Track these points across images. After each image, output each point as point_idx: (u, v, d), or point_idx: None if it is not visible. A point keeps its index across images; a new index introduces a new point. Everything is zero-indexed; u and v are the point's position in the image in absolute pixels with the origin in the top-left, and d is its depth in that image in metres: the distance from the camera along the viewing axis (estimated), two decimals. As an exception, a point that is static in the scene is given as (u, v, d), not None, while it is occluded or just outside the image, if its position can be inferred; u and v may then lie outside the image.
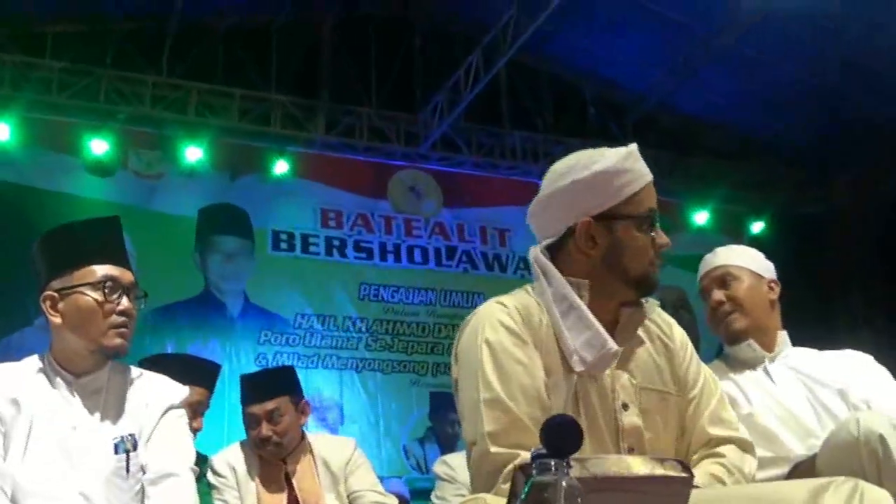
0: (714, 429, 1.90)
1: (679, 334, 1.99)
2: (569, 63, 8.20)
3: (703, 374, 1.97)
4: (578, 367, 1.80)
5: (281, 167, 7.45)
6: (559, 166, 1.93)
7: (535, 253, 1.93)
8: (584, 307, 1.83)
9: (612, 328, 1.86)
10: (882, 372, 2.51)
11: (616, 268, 1.86)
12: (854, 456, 1.88)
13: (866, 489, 1.51)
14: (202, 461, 3.01)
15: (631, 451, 1.82)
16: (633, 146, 1.90)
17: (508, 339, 1.81)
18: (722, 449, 1.88)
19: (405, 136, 7.88)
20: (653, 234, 1.87)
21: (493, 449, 1.71)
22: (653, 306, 1.94)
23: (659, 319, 1.99)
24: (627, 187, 1.86)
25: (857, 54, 6.87)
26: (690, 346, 2.00)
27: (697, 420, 1.91)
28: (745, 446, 1.92)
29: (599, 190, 1.85)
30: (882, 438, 1.86)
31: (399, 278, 7.66)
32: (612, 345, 1.80)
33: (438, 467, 4.03)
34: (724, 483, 1.79)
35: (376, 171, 7.90)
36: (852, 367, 2.51)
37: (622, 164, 1.86)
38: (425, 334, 7.52)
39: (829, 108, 7.50)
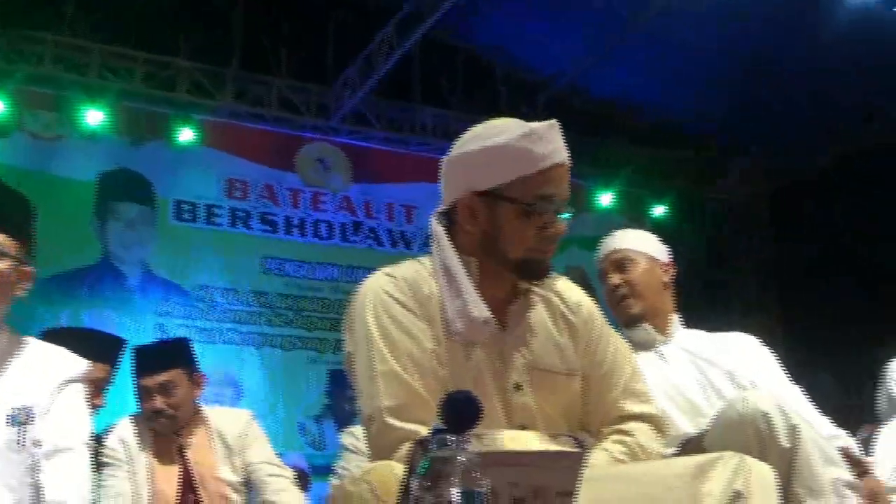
0: (627, 403, 1.92)
1: (587, 310, 1.98)
2: (483, 41, 8.20)
3: (613, 346, 1.98)
4: (455, 337, 1.80)
5: (186, 135, 7.27)
6: (466, 134, 1.88)
7: (432, 219, 1.91)
8: (464, 275, 1.82)
9: (505, 306, 1.87)
10: (767, 354, 2.60)
11: (493, 249, 1.84)
12: (740, 434, 1.94)
13: (752, 464, 1.57)
14: (97, 439, 2.95)
15: (523, 428, 1.81)
16: (544, 124, 1.83)
17: (397, 309, 1.81)
18: (632, 427, 1.90)
19: (316, 108, 7.78)
20: (544, 220, 1.82)
21: (392, 423, 1.72)
22: (552, 283, 1.94)
23: (567, 295, 1.98)
24: (516, 169, 1.80)
25: (763, 43, 7.04)
26: (599, 319, 1.99)
27: (608, 394, 1.92)
28: (658, 424, 1.94)
29: (488, 166, 1.81)
30: (767, 417, 1.93)
31: (304, 253, 7.58)
32: (483, 312, 1.80)
33: (346, 438, 4.01)
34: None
35: (285, 142, 7.78)
36: (740, 349, 2.60)
37: (518, 142, 1.79)
38: (328, 311, 7.46)
39: (733, 95, 7.68)
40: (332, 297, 7.49)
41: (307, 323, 7.42)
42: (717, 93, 7.67)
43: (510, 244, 1.83)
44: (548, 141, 1.82)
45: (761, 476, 1.58)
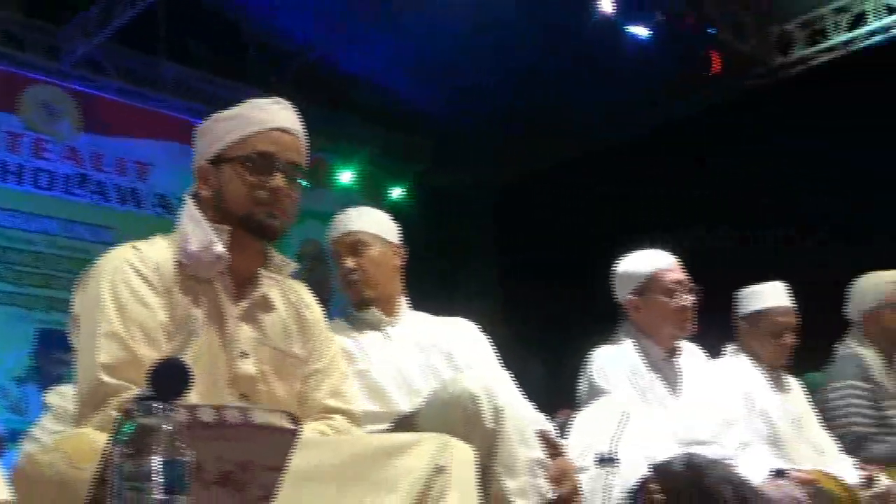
0: (330, 400, 2.03)
1: (318, 313, 2.11)
2: (236, 3, 7.96)
3: (332, 350, 2.10)
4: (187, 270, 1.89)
5: None
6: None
7: (185, 194, 2.01)
8: (203, 219, 1.92)
9: (246, 281, 1.96)
10: (483, 340, 2.73)
11: (223, 210, 1.95)
12: (449, 413, 2.03)
13: (454, 445, 1.66)
14: None
15: (243, 397, 1.88)
16: (269, 100, 2.00)
17: (135, 280, 1.83)
18: (335, 418, 2.01)
19: (46, 48, 7.20)
20: (265, 177, 1.93)
21: (105, 379, 1.71)
22: (289, 269, 2.05)
23: (301, 292, 2.10)
24: (236, 132, 1.96)
25: (511, 41, 7.32)
26: (324, 324, 2.12)
27: (316, 390, 2.02)
28: (354, 419, 2.06)
29: (214, 133, 1.99)
30: (474, 399, 2.03)
31: (18, 202, 6.99)
32: (220, 250, 1.89)
33: (51, 397, 3.76)
34: None
35: (7, 80, 7.14)
36: (460, 333, 2.71)
37: (242, 110, 1.98)
38: (41, 266, 6.94)
39: (475, 88, 7.93)
40: (48, 251, 6.96)
41: (17, 277, 6.87)
42: (461, 84, 7.90)
43: (234, 201, 1.93)
44: (271, 111, 1.99)
45: (461, 454, 1.67)
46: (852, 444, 3.55)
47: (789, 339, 3.53)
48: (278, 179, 1.93)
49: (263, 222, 1.94)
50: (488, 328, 2.80)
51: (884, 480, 3.25)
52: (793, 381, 3.65)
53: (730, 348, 3.61)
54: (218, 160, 1.96)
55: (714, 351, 3.50)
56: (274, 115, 1.99)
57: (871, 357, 3.76)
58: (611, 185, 8.06)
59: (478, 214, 9.55)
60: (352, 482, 1.57)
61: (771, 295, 3.58)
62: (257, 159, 1.93)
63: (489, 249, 9.48)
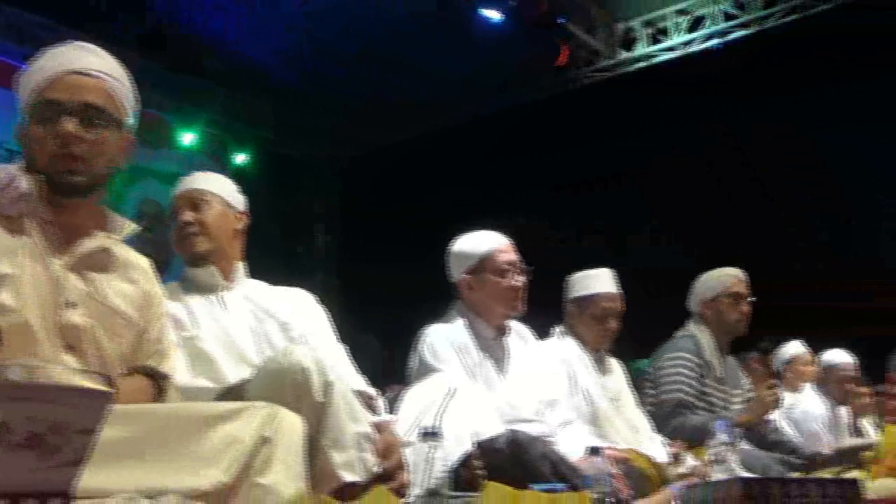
0: (154, 364, 2.02)
1: (151, 279, 2.08)
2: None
3: (162, 317, 2.10)
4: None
5: None
6: None
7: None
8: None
9: (75, 237, 1.92)
10: (321, 313, 2.71)
11: (29, 162, 1.90)
12: (279, 385, 2.02)
13: (282, 415, 1.65)
14: None
15: (70, 349, 1.83)
16: (62, 45, 1.94)
17: None
18: (155, 381, 2.00)
19: None
20: (53, 126, 1.87)
21: None
22: (127, 229, 2.02)
23: (139, 260, 2.07)
24: (31, 83, 1.92)
25: (361, 10, 7.25)
26: (158, 291, 2.10)
27: (139, 352, 2.01)
28: (177, 388, 2.07)
29: (20, 88, 1.95)
30: (305, 371, 2.03)
31: None
32: (24, 188, 1.85)
33: None
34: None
35: None
36: (297, 304, 2.68)
37: (39, 61, 1.93)
38: None
39: (329, 58, 7.83)
40: None
41: None
42: (311, 55, 7.80)
43: (34, 154, 1.90)
44: (69, 56, 1.93)
45: (290, 425, 1.66)
46: (674, 410, 3.85)
47: (613, 323, 3.71)
48: (66, 124, 1.87)
49: (62, 180, 1.89)
50: (326, 301, 2.79)
51: (689, 460, 3.45)
52: (614, 363, 3.84)
53: (557, 330, 3.76)
54: (23, 114, 1.93)
55: (543, 332, 3.63)
56: (71, 59, 1.92)
57: (705, 340, 4.10)
58: (454, 165, 8.17)
59: (322, 186, 9.47)
60: (170, 455, 1.54)
61: (598, 281, 3.75)
62: (44, 108, 1.88)
63: (332, 222, 9.43)
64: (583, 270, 3.81)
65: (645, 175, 7.66)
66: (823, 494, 1.23)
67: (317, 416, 2.01)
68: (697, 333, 4.12)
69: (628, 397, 3.79)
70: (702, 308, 4.18)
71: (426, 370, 2.95)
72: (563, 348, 3.66)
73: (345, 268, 9.00)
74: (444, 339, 3.05)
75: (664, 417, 3.88)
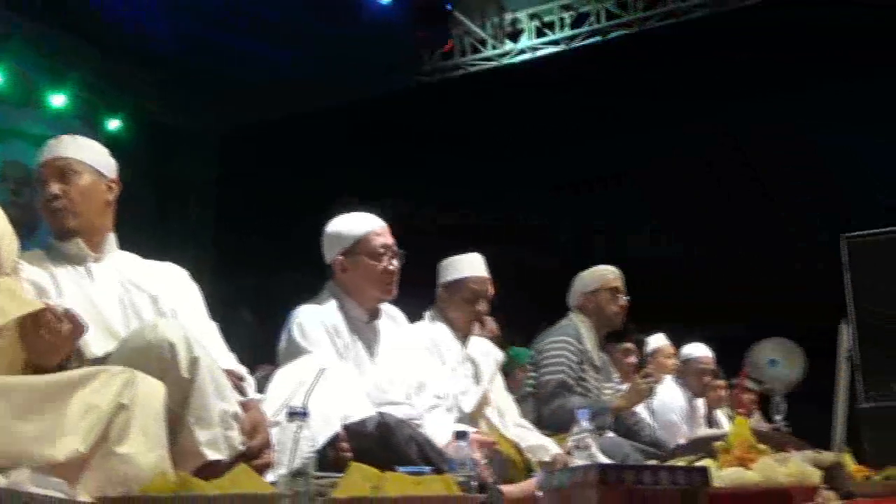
0: None
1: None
2: None
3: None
4: None
5: None
6: None
7: None
8: None
9: None
10: (193, 287, 2.67)
11: None
12: (144, 359, 1.98)
13: (140, 379, 1.61)
14: None
15: None
16: None
17: None
18: None
19: None
20: None
21: None
22: None
23: None
24: None
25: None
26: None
27: None
28: None
29: None
30: (172, 347, 2.00)
31: None
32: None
33: None
34: None
35: None
36: (169, 278, 2.63)
37: None
38: None
39: (206, 28, 7.63)
40: None
41: None
42: (198, 23, 7.59)
43: None
44: None
45: (148, 390, 1.63)
46: (555, 391, 4.04)
47: (482, 306, 3.79)
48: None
49: None
50: (199, 276, 2.74)
51: (553, 448, 3.56)
52: (477, 349, 3.90)
53: (428, 314, 3.80)
54: None
55: (414, 316, 3.66)
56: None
57: (585, 330, 4.35)
58: (333, 144, 8.13)
59: (199, 158, 9.24)
60: (25, 425, 1.49)
61: (468, 264, 3.82)
62: None
63: (208, 196, 9.21)
64: (453, 255, 3.87)
65: (541, 163, 7.85)
66: (673, 481, 1.30)
67: (182, 392, 1.99)
68: (578, 323, 4.35)
69: (497, 383, 3.86)
70: (583, 300, 4.42)
71: (296, 351, 2.93)
72: (433, 332, 3.71)
73: (219, 241, 8.83)
74: (315, 319, 3.03)
75: (545, 398, 4.08)
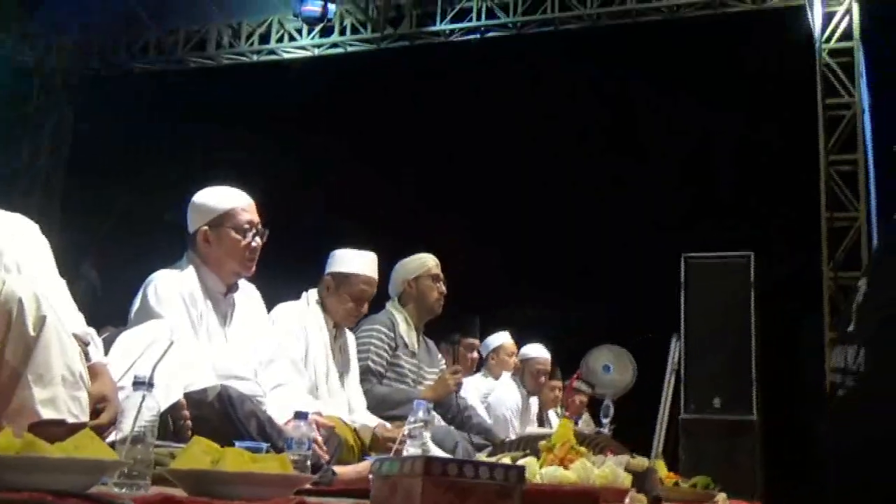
0: None
1: None
2: None
3: None
4: None
5: None
6: None
7: None
8: None
9: None
10: (43, 243, 2.56)
11: None
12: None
13: None
14: None
15: None
16: None
17: None
18: None
19: None
20: None
21: None
22: None
23: None
24: None
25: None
26: None
27: None
28: None
29: None
30: (20, 303, 1.98)
31: None
32: None
33: None
34: None
35: None
36: (16, 231, 2.52)
37: None
38: None
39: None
40: None
41: None
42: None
43: None
44: None
45: None
46: (362, 377, 4.08)
47: (363, 306, 3.93)
48: None
49: None
50: (47, 230, 2.68)
51: (372, 421, 3.71)
52: (350, 339, 4.03)
53: (307, 294, 3.86)
54: None
55: (275, 295, 3.71)
56: None
57: (401, 317, 4.42)
58: (193, 101, 8.02)
59: (53, 103, 8.80)
60: None
61: (362, 262, 3.91)
62: None
63: (61, 145, 8.82)
64: (348, 248, 3.96)
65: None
66: (491, 476, 1.41)
67: (25, 349, 1.98)
68: (394, 311, 4.43)
69: (354, 373, 3.97)
70: (405, 287, 4.47)
71: (148, 314, 2.92)
72: (306, 313, 3.77)
73: (69, 196, 8.50)
74: (172, 286, 3.01)
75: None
